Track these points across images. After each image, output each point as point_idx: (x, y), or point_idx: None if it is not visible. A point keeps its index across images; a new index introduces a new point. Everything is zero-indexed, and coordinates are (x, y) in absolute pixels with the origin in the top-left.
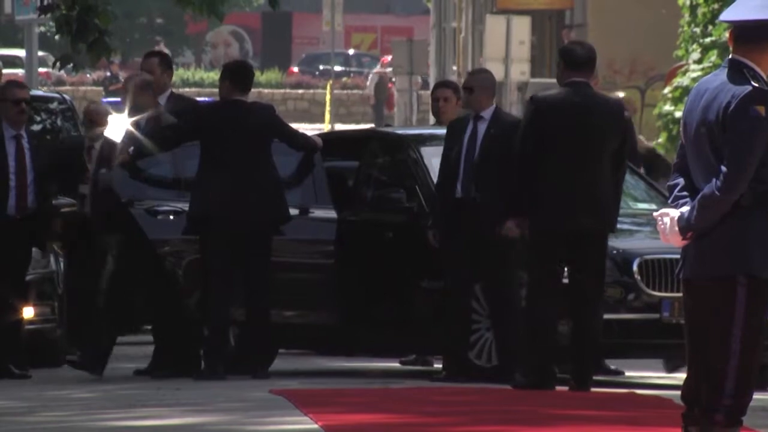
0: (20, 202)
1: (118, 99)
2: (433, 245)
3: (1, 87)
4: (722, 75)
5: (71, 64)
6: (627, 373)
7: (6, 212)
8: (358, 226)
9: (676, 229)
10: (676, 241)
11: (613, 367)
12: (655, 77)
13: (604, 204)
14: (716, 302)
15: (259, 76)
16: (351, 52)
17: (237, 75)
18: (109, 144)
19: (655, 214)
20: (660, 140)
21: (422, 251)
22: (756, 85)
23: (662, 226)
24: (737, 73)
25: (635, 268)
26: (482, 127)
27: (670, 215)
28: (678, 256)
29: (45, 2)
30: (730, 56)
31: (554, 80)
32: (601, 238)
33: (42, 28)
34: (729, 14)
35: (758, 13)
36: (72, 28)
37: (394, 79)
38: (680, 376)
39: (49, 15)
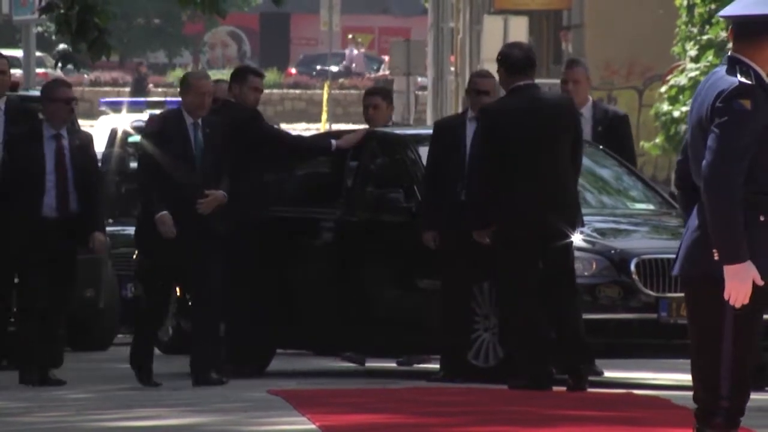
0: (61, 203)
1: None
2: (430, 247)
3: (49, 86)
4: (719, 72)
5: (71, 64)
6: (626, 374)
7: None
8: (357, 225)
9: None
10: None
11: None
12: (652, 78)
13: (570, 202)
14: (705, 302)
15: None
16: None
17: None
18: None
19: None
20: (657, 140)
21: (420, 251)
22: (742, 79)
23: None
24: (730, 69)
25: (633, 268)
26: None
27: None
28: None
29: (44, 3)
30: (728, 53)
31: (550, 81)
32: (569, 235)
33: (39, 29)
34: (728, 11)
35: (755, 9)
36: (72, 28)
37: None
38: (677, 377)
39: (47, 15)
